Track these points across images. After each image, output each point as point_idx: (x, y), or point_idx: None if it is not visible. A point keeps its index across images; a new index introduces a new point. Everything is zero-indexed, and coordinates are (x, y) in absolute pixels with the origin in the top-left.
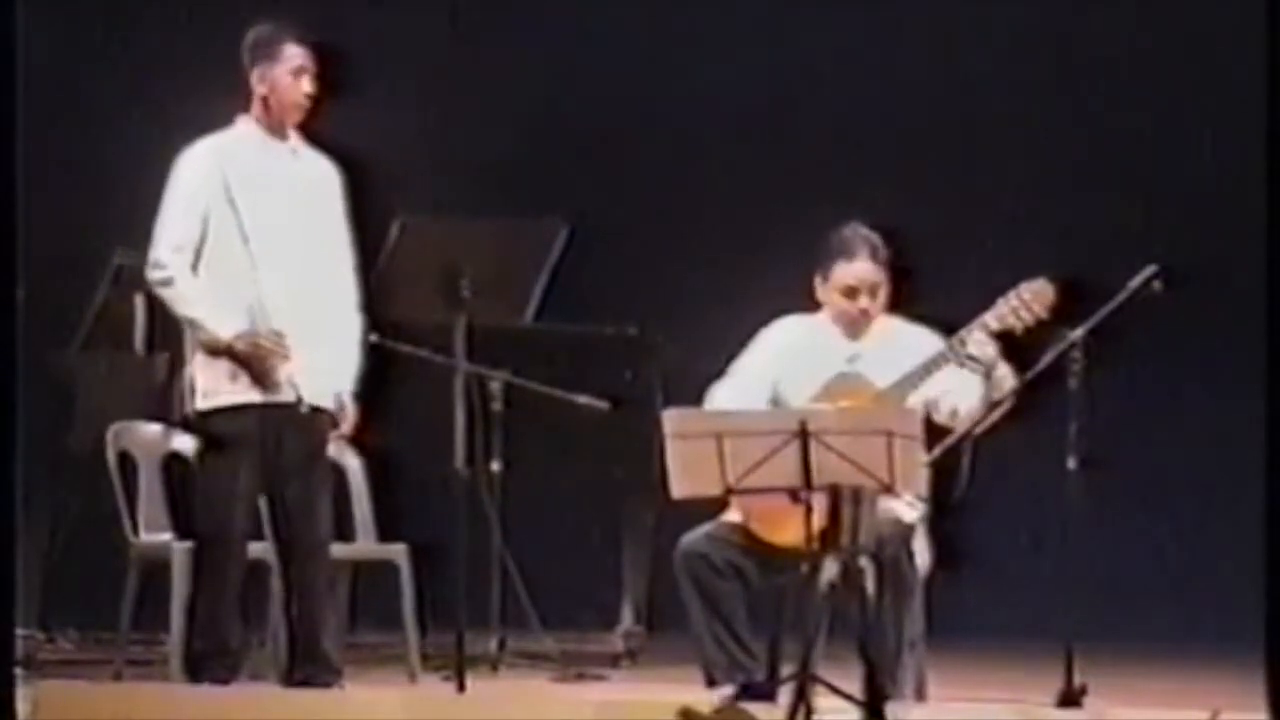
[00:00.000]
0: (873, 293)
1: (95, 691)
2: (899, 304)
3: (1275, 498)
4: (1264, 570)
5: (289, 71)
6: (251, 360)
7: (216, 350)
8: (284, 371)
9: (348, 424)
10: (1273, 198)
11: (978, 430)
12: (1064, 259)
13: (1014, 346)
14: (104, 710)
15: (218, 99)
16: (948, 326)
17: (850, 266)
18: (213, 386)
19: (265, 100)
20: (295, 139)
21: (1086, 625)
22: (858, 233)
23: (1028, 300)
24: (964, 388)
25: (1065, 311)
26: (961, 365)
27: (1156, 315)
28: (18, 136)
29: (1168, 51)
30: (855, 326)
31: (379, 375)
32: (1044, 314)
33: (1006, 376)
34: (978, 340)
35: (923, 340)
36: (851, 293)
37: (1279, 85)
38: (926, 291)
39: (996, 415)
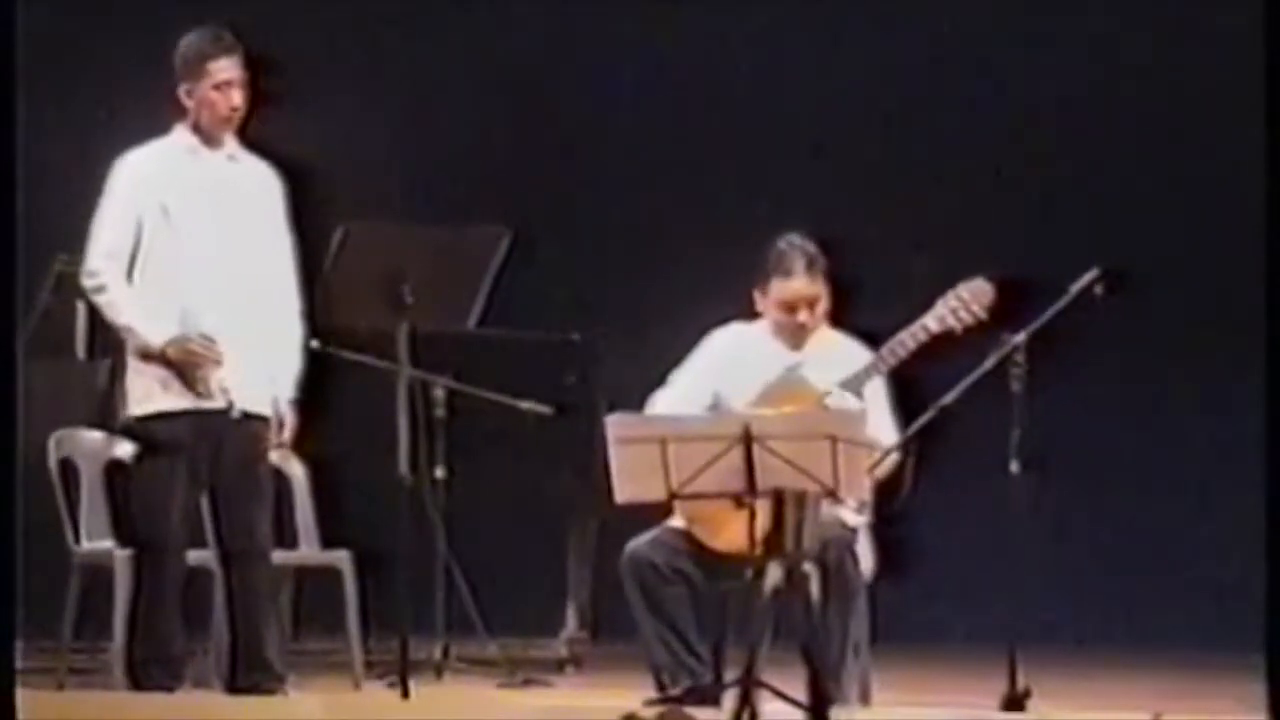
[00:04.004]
0: (811, 306)
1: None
2: (839, 311)
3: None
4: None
5: (213, 86)
6: (183, 366)
7: (150, 357)
8: (216, 377)
9: (287, 431)
10: (1220, 198)
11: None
12: (1003, 261)
13: (954, 349)
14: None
15: (155, 105)
16: (888, 331)
17: (787, 283)
18: (147, 393)
19: (197, 112)
20: (232, 145)
21: (1030, 628)
22: (793, 246)
23: (966, 300)
24: (878, 407)
25: (1005, 314)
26: (883, 372)
27: (1098, 317)
28: None
29: (1113, 52)
30: (796, 338)
31: (321, 382)
32: (983, 314)
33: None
34: (882, 376)
35: (861, 354)
36: (790, 308)
37: (1236, 87)
38: (867, 297)
39: (888, 463)
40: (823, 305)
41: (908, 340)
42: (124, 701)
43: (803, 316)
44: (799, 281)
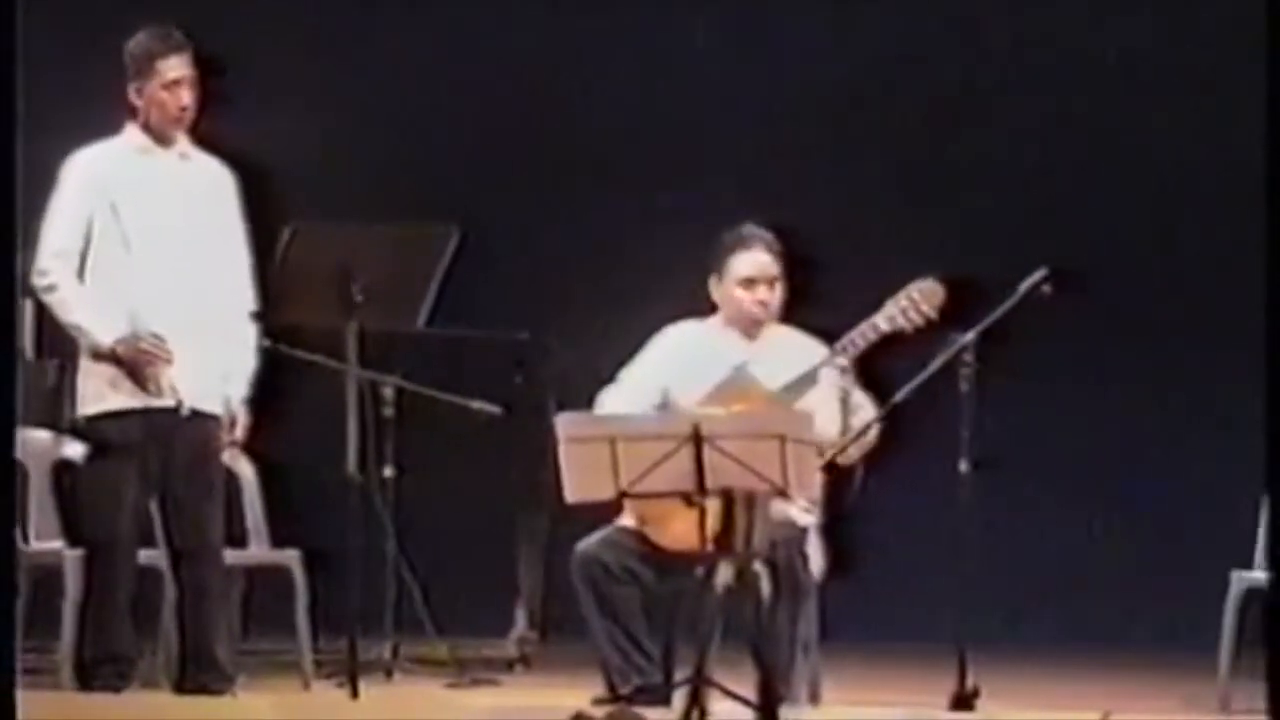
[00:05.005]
0: (771, 284)
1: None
2: (792, 307)
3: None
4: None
5: (162, 86)
6: (134, 365)
7: (100, 356)
8: (167, 376)
9: (239, 430)
10: (1179, 195)
11: (842, 456)
12: (954, 259)
13: (905, 348)
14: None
15: (104, 104)
16: (840, 329)
17: (747, 255)
18: (97, 392)
19: (147, 111)
20: (184, 143)
21: (980, 628)
22: (752, 230)
23: (917, 300)
24: (826, 408)
25: (955, 313)
26: (843, 373)
27: (1046, 317)
28: None
29: (1062, 48)
30: (752, 324)
31: (270, 380)
32: (933, 314)
33: (863, 405)
34: (834, 370)
35: (813, 349)
36: (750, 283)
37: (1174, 82)
38: (819, 295)
39: (862, 442)
40: (780, 291)
41: (857, 339)
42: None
43: (762, 293)
44: (760, 256)
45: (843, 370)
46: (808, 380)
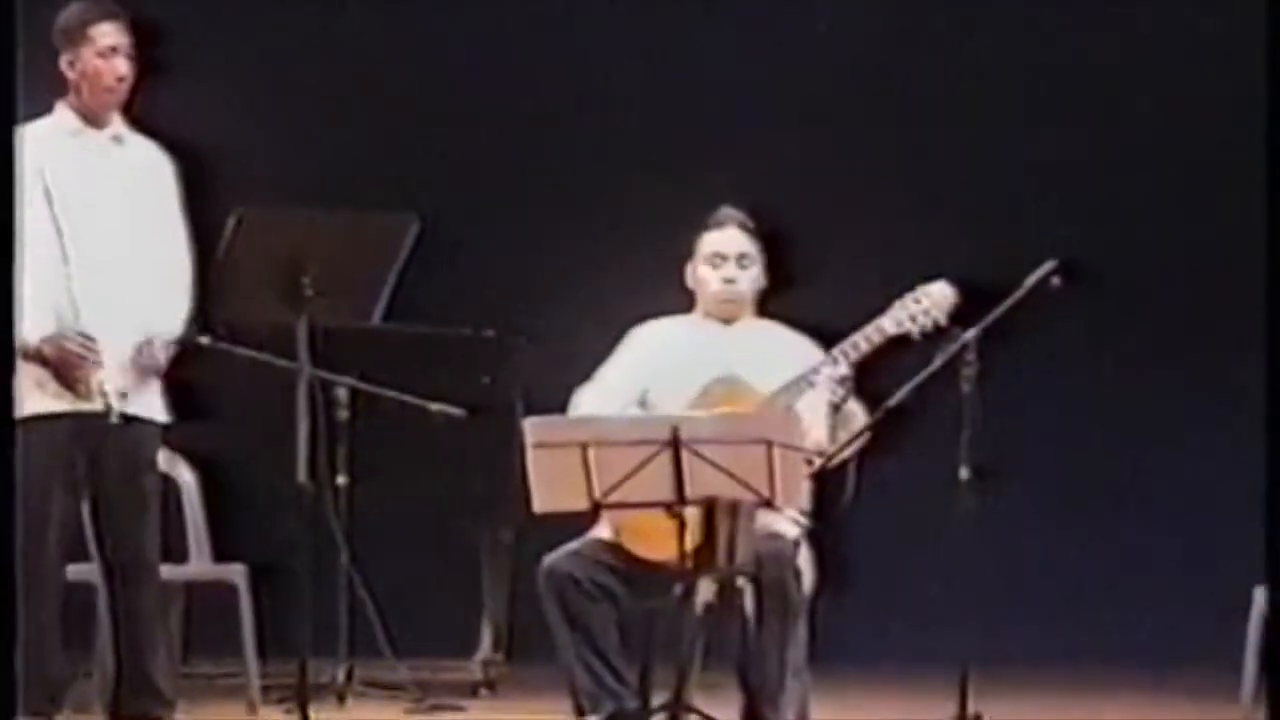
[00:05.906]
0: (740, 262)
1: None
2: (782, 299)
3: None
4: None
5: (97, 53)
6: (60, 365)
7: (25, 355)
8: (96, 378)
9: (162, 357)
10: (1163, 193)
11: (832, 463)
12: (958, 256)
13: (903, 343)
14: None
15: (34, 84)
16: (835, 325)
17: (719, 232)
18: (20, 395)
19: (79, 85)
20: (118, 125)
21: (981, 647)
22: (727, 211)
23: (926, 305)
24: (814, 416)
25: (964, 315)
26: (841, 381)
27: (1052, 315)
28: None
29: (1052, 44)
30: (723, 307)
31: (214, 381)
32: (943, 319)
33: (856, 414)
34: (832, 375)
35: (801, 347)
36: (718, 260)
37: (1174, 80)
38: (814, 291)
39: (849, 450)
40: (754, 273)
41: (860, 343)
42: None
43: (730, 270)
44: (732, 233)
45: (841, 379)
46: (803, 383)
